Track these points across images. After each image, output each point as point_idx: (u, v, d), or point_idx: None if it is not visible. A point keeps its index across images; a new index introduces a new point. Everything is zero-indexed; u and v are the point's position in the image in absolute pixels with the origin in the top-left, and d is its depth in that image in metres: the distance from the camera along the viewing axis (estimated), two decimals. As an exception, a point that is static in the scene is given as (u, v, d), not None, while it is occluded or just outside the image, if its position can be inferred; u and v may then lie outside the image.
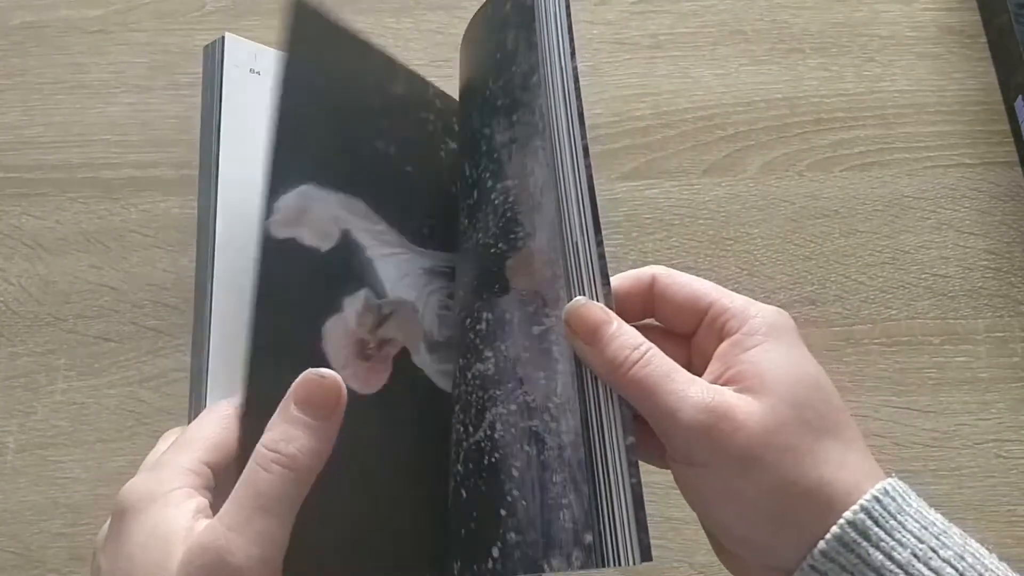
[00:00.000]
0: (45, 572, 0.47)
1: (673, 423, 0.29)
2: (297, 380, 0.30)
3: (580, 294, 0.32)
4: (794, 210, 0.55)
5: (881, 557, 0.28)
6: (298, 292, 0.37)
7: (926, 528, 0.29)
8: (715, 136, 0.57)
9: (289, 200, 0.38)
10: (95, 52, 0.59)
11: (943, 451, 0.49)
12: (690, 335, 0.35)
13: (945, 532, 0.29)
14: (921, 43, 0.59)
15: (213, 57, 0.43)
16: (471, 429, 0.36)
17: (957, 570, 0.28)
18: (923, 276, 0.53)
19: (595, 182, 0.33)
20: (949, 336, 0.51)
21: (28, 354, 0.51)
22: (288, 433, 0.29)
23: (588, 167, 0.34)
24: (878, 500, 0.29)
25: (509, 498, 0.34)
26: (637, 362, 0.30)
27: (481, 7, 0.41)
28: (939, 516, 0.30)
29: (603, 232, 0.33)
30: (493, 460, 0.35)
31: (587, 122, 0.34)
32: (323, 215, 0.39)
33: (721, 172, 0.56)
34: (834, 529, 0.29)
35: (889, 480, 0.30)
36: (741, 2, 0.60)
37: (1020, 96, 0.54)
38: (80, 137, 0.56)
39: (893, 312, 0.52)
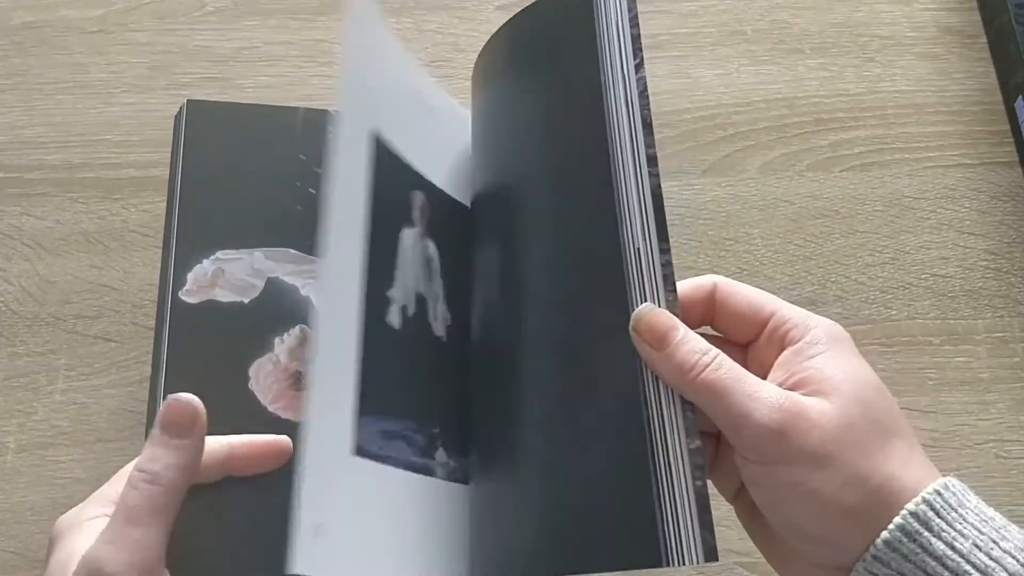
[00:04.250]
0: (45, 572, 0.47)
1: (747, 423, 0.30)
2: (160, 407, 0.34)
3: (645, 300, 0.33)
4: (794, 210, 0.55)
5: (943, 547, 0.29)
6: (220, 344, 0.43)
7: (986, 522, 0.29)
8: (715, 136, 0.57)
9: (201, 269, 0.44)
10: (95, 52, 0.59)
11: (943, 451, 0.49)
12: (747, 344, 0.35)
13: (1005, 527, 0.30)
14: (921, 43, 0.59)
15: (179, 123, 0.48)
16: None
17: (1019, 561, 0.28)
18: (923, 276, 0.53)
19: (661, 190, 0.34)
20: (949, 336, 0.51)
21: (28, 354, 0.51)
22: (154, 454, 0.33)
23: (653, 175, 0.34)
24: (939, 494, 0.30)
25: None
26: (708, 366, 0.31)
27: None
28: (998, 513, 0.30)
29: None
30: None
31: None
32: (240, 272, 0.44)
33: (721, 172, 0.56)
34: (897, 519, 0.29)
35: (949, 477, 0.31)
36: (741, 2, 0.60)
37: (1020, 96, 0.54)
38: (80, 137, 0.56)
39: (893, 312, 0.52)
